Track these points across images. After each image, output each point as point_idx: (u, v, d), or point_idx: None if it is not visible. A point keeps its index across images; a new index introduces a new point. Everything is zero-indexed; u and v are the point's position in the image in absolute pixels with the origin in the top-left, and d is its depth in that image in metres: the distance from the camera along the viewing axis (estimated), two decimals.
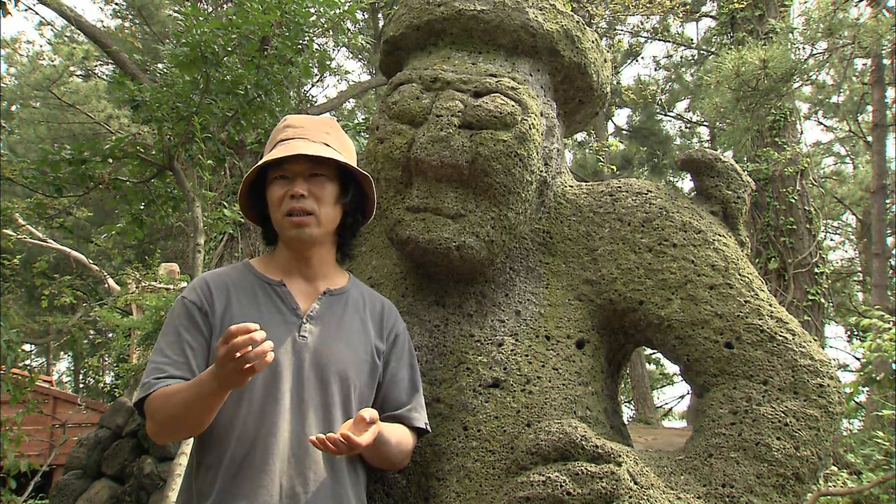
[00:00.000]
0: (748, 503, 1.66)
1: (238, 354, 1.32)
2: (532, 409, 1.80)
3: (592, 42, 2.17)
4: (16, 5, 5.44)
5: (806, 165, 9.33)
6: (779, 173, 9.23)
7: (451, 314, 1.96)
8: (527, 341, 1.90)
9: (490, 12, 2.02)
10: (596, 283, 1.98)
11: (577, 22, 2.13)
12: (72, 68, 16.56)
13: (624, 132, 20.56)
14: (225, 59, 4.71)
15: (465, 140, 1.84)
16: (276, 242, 1.78)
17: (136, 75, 8.49)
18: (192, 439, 1.71)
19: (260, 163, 1.68)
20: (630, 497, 1.56)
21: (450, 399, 1.84)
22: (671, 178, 19.82)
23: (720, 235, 2.00)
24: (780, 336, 1.84)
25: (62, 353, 21.14)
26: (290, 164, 1.66)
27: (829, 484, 5.71)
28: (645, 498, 1.58)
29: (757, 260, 9.22)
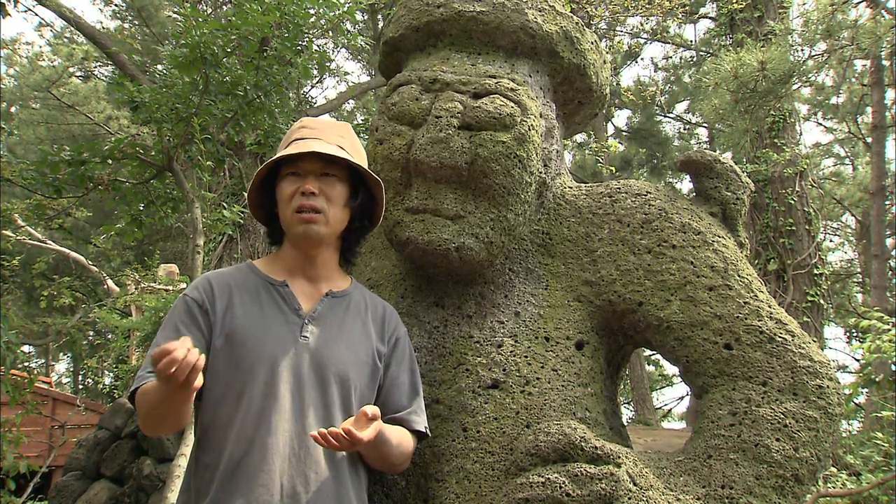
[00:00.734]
0: None
1: (168, 374, 1.33)
2: (531, 410, 1.80)
3: (592, 43, 2.17)
4: (15, 6, 5.44)
5: (805, 167, 9.34)
6: (778, 174, 9.24)
7: (450, 315, 1.96)
8: (526, 342, 1.90)
9: (489, 14, 2.02)
10: (595, 285, 1.98)
11: (577, 23, 2.13)
12: (71, 69, 16.57)
13: (623, 133, 20.57)
14: (224, 60, 4.71)
15: (465, 141, 1.84)
16: (280, 242, 1.78)
17: (136, 76, 8.49)
18: (192, 439, 1.71)
19: (273, 158, 1.69)
20: (629, 498, 1.56)
21: (449, 400, 1.84)
22: (670, 180, 19.85)
23: (719, 237, 2.00)
24: (780, 337, 1.84)
25: (61, 354, 21.14)
26: (302, 161, 1.67)
27: (829, 485, 5.71)
28: (644, 499, 1.58)
29: (756, 261, 9.23)
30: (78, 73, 17.25)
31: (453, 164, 1.82)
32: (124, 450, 7.02)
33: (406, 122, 1.91)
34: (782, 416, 1.74)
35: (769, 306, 1.90)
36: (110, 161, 4.79)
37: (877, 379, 5.18)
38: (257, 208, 1.79)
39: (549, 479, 1.58)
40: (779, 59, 7.45)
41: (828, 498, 5.23)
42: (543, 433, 1.66)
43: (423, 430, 1.72)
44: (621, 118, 21.33)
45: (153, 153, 4.97)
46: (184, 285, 9.67)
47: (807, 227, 9.24)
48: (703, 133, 20.32)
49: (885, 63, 11.54)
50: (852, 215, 17.38)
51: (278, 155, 1.69)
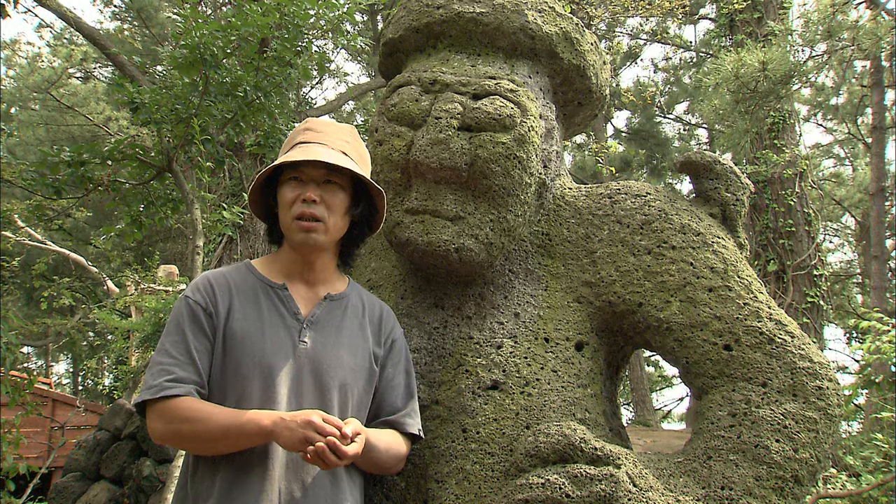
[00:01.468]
0: None
1: (314, 449, 1.42)
2: (531, 411, 1.79)
3: (591, 44, 2.17)
4: (15, 7, 5.44)
5: (805, 168, 9.35)
6: (778, 175, 9.25)
7: (450, 316, 1.96)
8: (526, 343, 1.90)
9: (489, 15, 2.02)
10: (595, 286, 1.98)
11: (576, 24, 2.13)
12: (71, 70, 16.58)
13: (623, 134, 20.59)
14: (224, 61, 4.71)
15: (464, 142, 1.84)
16: (280, 242, 1.78)
17: (136, 77, 8.49)
18: None
19: (276, 162, 1.68)
20: (629, 499, 1.56)
21: (449, 401, 1.84)
22: (670, 181, 19.86)
23: (719, 238, 2.00)
24: (780, 338, 1.84)
25: (61, 355, 21.13)
26: (305, 167, 1.67)
27: (828, 486, 5.71)
28: (644, 500, 1.58)
29: (756, 262, 9.23)
30: (77, 74, 17.27)
31: (453, 165, 1.82)
32: (124, 451, 7.01)
33: (406, 124, 1.91)
34: (782, 417, 1.74)
35: (769, 307, 1.90)
36: (110, 162, 4.79)
37: (876, 380, 5.18)
38: (258, 206, 1.79)
39: (548, 480, 1.57)
40: (779, 59, 7.46)
41: (827, 499, 5.23)
42: (543, 434, 1.66)
43: (417, 433, 1.72)
44: (621, 119, 21.35)
45: (153, 154, 4.97)
46: (183, 286, 9.68)
47: (806, 228, 9.25)
48: (702, 134, 20.34)
49: (885, 64, 11.54)
50: (852, 216, 17.39)
51: (281, 160, 1.67)
